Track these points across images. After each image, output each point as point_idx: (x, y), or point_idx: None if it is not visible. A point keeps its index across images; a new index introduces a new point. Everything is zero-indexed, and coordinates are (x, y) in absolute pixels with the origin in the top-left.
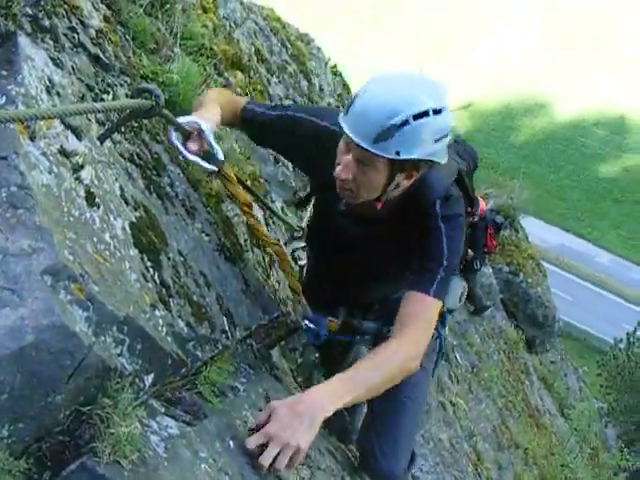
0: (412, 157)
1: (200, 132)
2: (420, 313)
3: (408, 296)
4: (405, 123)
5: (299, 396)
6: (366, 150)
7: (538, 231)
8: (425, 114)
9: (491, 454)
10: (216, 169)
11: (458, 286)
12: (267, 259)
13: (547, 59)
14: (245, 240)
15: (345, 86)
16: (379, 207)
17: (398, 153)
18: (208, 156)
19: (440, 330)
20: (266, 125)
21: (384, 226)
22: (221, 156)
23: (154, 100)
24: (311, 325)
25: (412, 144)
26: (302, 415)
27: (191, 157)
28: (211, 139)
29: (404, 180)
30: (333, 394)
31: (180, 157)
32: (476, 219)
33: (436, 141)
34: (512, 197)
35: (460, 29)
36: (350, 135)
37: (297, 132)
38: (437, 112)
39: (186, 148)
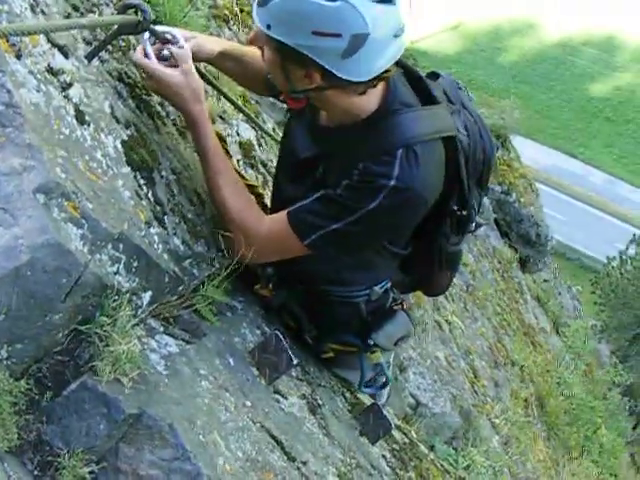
0: (281, 39)
1: (174, 39)
2: (273, 224)
3: None
4: None
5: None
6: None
7: (529, 151)
8: None
9: (487, 371)
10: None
11: (401, 326)
12: (260, 179)
13: None
14: (238, 160)
15: None
16: (290, 104)
17: (269, 27)
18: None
19: (362, 359)
20: None
21: (332, 157)
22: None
23: (141, 15)
24: None
25: (283, 23)
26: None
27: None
28: (177, 33)
29: (305, 78)
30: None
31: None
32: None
33: (315, 34)
34: (503, 117)
35: None
36: None
37: None
38: None
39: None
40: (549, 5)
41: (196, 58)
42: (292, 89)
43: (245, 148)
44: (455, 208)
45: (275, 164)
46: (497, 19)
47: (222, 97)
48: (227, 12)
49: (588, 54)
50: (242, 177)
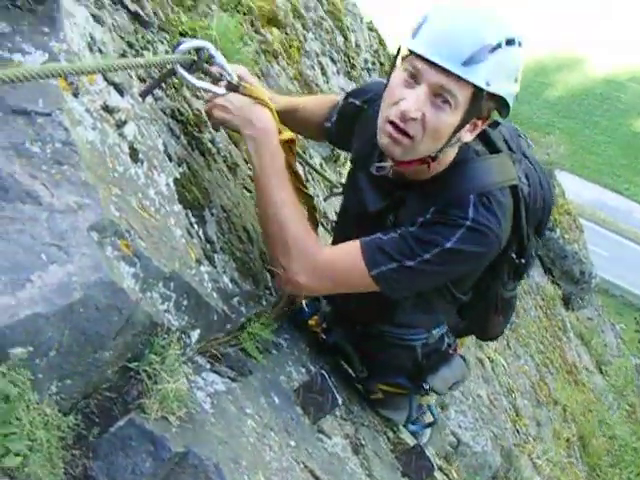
0: (499, 92)
1: (210, 57)
2: (339, 251)
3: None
4: (498, 46)
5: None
6: (452, 76)
7: (574, 186)
8: (513, 42)
9: (530, 410)
10: (225, 92)
11: (457, 371)
12: (307, 215)
13: (582, 20)
14: None
15: (381, 42)
16: (430, 169)
17: (488, 84)
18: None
19: (412, 400)
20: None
21: (404, 206)
22: (235, 77)
23: (196, 55)
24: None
25: (501, 74)
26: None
27: (198, 83)
28: (222, 61)
29: (467, 132)
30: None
31: (188, 85)
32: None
33: (515, 80)
34: (548, 153)
35: None
36: (430, 57)
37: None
38: (520, 44)
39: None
40: (595, 41)
41: None
42: (442, 149)
43: None
44: (514, 256)
45: (338, 210)
46: (542, 54)
47: None
48: (276, 47)
49: (633, 90)
50: (302, 184)
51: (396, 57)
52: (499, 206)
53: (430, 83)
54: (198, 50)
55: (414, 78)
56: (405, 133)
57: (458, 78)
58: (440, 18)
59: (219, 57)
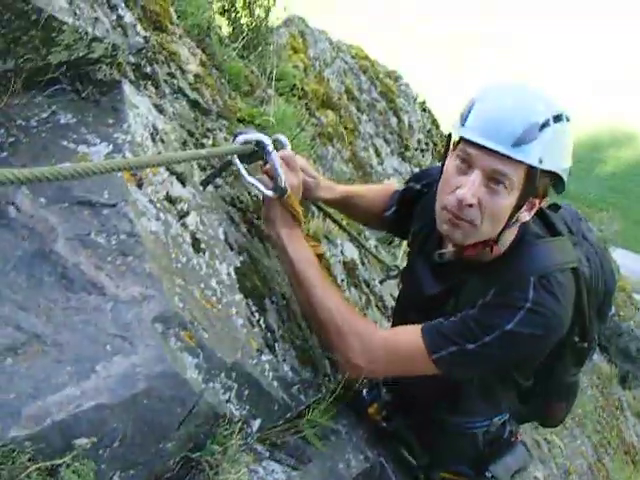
0: (553, 169)
1: (266, 153)
2: (398, 334)
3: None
4: (547, 124)
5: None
6: (504, 158)
7: (628, 262)
8: (560, 117)
9: None
10: (271, 194)
11: (519, 459)
12: (364, 298)
13: (632, 92)
14: (342, 280)
15: (434, 122)
16: (493, 252)
17: (541, 161)
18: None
19: None
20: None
21: (464, 289)
22: (282, 182)
23: (257, 145)
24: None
25: (553, 151)
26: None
27: (249, 179)
28: (276, 163)
29: (526, 212)
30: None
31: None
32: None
33: (567, 156)
34: (601, 229)
35: (546, 62)
36: (481, 142)
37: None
38: (567, 119)
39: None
40: None
41: (310, 196)
42: (502, 230)
43: (349, 268)
44: (576, 340)
45: (397, 295)
46: (594, 130)
47: (327, 217)
48: (331, 130)
49: None
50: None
51: (448, 145)
52: (559, 287)
53: (483, 168)
54: (258, 141)
55: (467, 163)
56: (464, 219)
57: (510, 159)
58: (486, 102)
59: (274, 156)
